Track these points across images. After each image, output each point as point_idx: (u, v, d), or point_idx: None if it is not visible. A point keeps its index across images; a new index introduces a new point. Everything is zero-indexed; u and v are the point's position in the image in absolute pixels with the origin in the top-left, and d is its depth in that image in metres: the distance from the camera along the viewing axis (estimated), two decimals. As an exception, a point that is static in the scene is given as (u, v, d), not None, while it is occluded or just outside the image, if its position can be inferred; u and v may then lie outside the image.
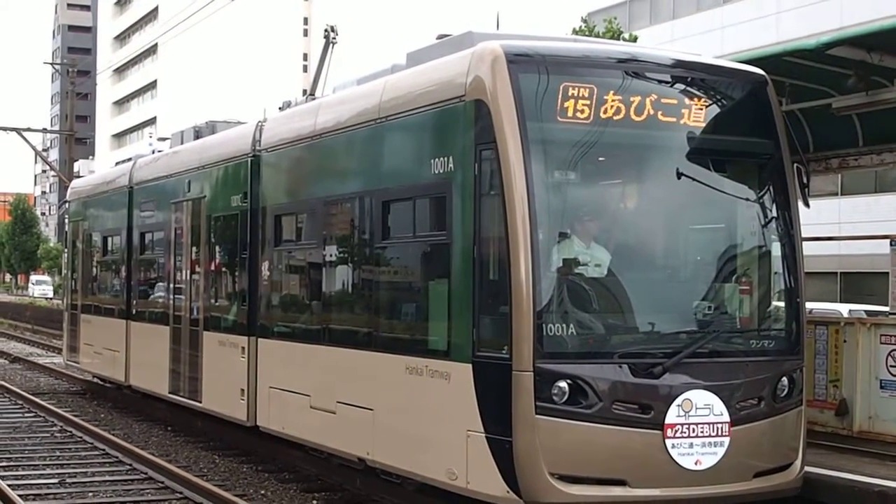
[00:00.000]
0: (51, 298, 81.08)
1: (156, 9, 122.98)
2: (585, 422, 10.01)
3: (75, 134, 64.01)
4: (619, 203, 11.46)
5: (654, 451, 10.13)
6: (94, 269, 24.62)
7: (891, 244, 14.25)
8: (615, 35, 40.86)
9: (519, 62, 10.45)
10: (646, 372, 10.21)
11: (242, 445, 17.03)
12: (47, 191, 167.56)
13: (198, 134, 19.62)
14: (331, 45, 18.06)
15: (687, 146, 10.98)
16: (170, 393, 18.72)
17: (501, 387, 10.08)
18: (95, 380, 25.19)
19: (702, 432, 10.25)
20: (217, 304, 17.23)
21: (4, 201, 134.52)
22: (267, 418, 15.09)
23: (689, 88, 11.11)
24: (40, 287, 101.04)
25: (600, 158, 10.86)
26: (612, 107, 10.53)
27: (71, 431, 19.32)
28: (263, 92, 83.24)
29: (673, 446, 10.15)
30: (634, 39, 40.99)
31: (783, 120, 11.64)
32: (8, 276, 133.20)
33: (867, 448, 13.29)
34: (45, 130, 79.26)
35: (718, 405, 10.34)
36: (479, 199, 10.46)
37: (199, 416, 18.26)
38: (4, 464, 16.03)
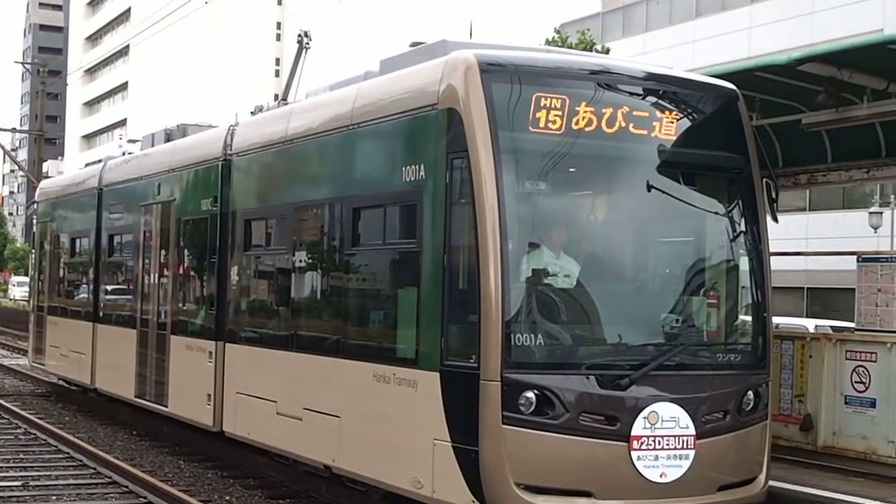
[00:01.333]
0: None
1: (128, 10, 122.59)
2: (552, 432, 10.01)
3: (45, 134, 63.74)
4: (589, 214, 11.48)
5: (620, 462, 10.15)
6: (62, 271, 24.49)
7: (857, 260, 14.34)
8: (588, 46, 41.07)
9: (492, 71, 10.46)
10: (613, 384, 10.22)
11: (208, 451, 16.96)
12: (15, 191, 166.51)
13: (169, 137, 19.55)
14: (304, 50, 18.03)
15: (657, 159, 11.01)
16: (136, 397, 18.63)
17: (469, 396, 10.08)
18: (61, 382, 25.02)
19: (667, 445, 10.27)
20: (185, 308, 17.16)
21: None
22: (233, 424, 15.05)
23: (660, 101, 11.15)
24: (21, 289, 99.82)
25: (571, 169, 10.87)
26: (583, 118, 10.55)
27: (35, 434, 19.19)
28: (235, 96, 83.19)
29: (638, 458, 10.17)
30: (607, 51, 41.19)
31: (753, 135, 11.70)
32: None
33: (831, 463, 13.38)
34: (14, 130, 78.89)
35: (684, 418, 10.37)
36: (449, 207, 10.46)
37: (164, 421, 18.18)
38: (-33, 465, 15.93)
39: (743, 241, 11.45)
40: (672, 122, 11.09)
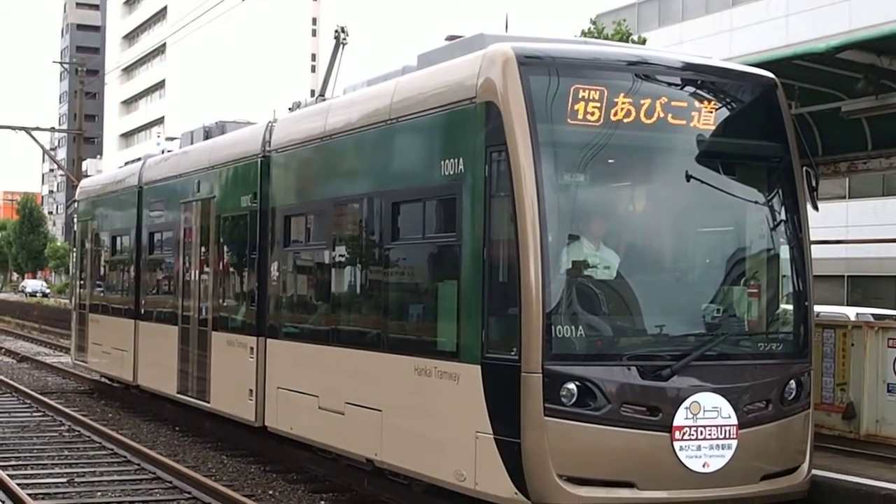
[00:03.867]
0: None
1: (164, 8, 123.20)
2: (594, 424, 10.02)
3: (83, 133, 64.18)
4: (628, 205, 11.48)
5: (663, 453, 10.14)
6: (103, 269, 24.65)
7: (899, 248, 14.26)
8: (624, 37, 40.90)
9: (530, 64, 10.46)
10: (654, 374, 10.23)
11: (250, 446, 17.05)
12: (55, 190, 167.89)
13: (208, 134, 19.63)
14: (341, 45, 18.06)
15: (696, 149, 10.99)
16: (178, 393, 18.74)
17: (510, 388, 10.10)
18: (103, 379, 25.22)
19: (710, 435, 10.27)
20: (226, 304, 17.25)
21: (12, 200, 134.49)
22: (275, 419, 15.12)
23: (698, 91, 11.12)
24: None
25: (610, 161, 10.87)
26: (622, 109, 10.54)
27: (79, 431, 19.36)
28: (272, 92, 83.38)
29: (681, 448, 10.16)
30: (643, 42, 41.00)
31: (792, 123, 11.65)
32: (15, 275, 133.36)
33: (874, 451, 13.30)
34: (53, 129, 79.21)
35: (726, 408, 10.36)
36: (489, 200, 10.47)
37: (207, 417, 18.29)
38: (13, 463, 16.07)
39: (783, 230, 11.42)
40: (711, 112, 11.05)
